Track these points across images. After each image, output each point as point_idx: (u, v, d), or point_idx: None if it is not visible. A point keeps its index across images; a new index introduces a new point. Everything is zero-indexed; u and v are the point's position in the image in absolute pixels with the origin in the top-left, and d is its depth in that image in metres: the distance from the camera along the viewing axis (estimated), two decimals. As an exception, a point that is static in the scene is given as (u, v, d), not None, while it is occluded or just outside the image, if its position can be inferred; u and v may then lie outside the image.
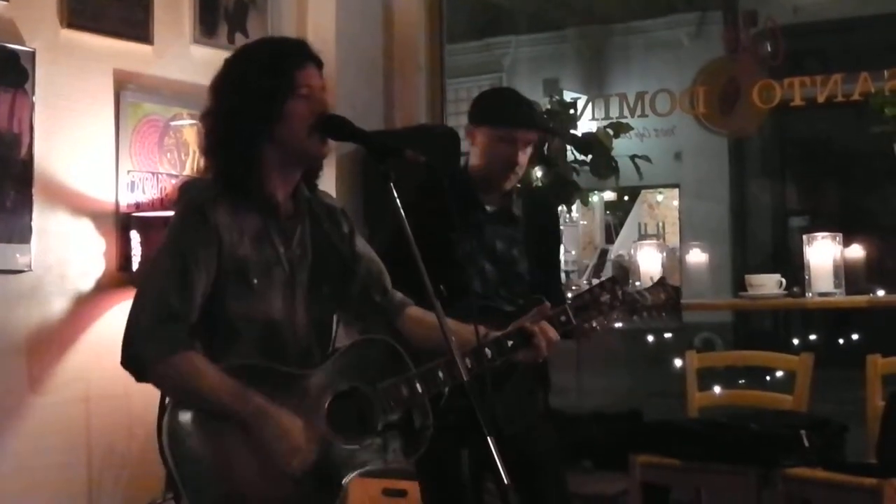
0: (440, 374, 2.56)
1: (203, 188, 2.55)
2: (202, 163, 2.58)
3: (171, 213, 3.90)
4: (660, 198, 15.60)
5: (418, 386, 2.55)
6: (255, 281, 2.49)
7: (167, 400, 2.46)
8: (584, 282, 10.49)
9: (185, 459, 2.39)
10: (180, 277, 2.43)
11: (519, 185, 3.51)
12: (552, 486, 3.44)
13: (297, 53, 2.56)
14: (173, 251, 2.47)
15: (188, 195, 2.61)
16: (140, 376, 2.44)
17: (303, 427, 2.44)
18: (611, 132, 6.21)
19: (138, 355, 2.42)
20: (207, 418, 2.40)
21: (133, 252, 4.11)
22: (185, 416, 2.41)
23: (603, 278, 3.20)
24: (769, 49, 6.17)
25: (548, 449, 3.46)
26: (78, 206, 4.04)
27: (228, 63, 2.59)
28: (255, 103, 2.48)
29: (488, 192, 3.42)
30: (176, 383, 2.41)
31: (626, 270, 5.32)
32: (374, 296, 2.72)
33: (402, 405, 2.54)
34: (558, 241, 3.65)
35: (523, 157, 3.39)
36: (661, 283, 3.26)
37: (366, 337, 2.65)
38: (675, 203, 15.24)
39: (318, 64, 2.58)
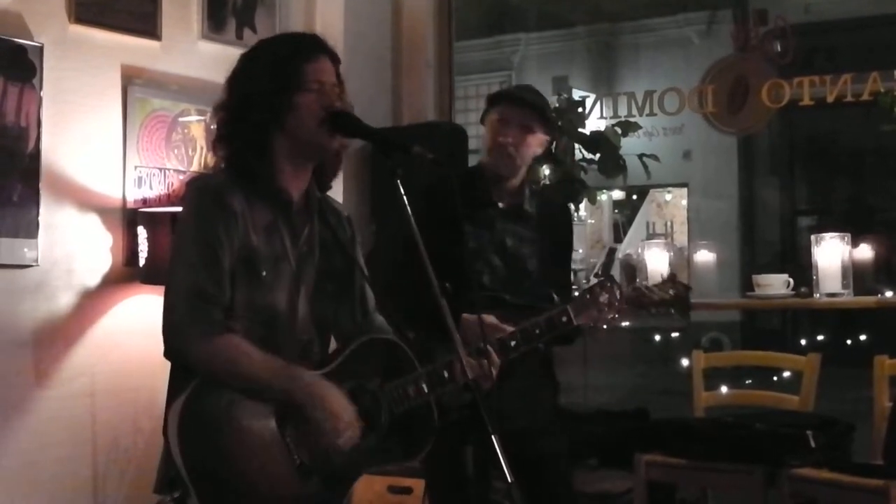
0: (445, 375, 2.56)
1: (215, 176, 2.56)
2: (212, 156, 2.58)
3: (178, 209, 3.92)
4: (668, 197, 15.61)
5: (424, 386, 2.55)
6: (264, 273, 2.48)
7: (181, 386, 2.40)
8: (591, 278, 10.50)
9: (197, 448, 2.32)
10: (208, 258, 2.41)
11: (534, 186, 3.51)
12: (558, 484, 3.44)
13: (308, 47, 2.57)
14: (196, 234, 2.45)
15: (201, 182, 2.60)
16: (183, 363, 2.41)
17: (351, 406, 2.44)
18: (619, 131, 6.20)
19: (179, 343, 2.40)
20: (228, 405, 2.35)
21: (140, 248, 4.10)
22: (206, 403, 2.35)
23: (602, 278, 3.22)
24: (779, 48, 6.12)
25: (555, 448, 3.45)
26: (85, 201, 4.04)
27: (243, 58, 2.61)
28: (265, 94, 2.49)
29: (499, 188, 3.42)
30: (219, 366, 2.37)
31: (633, 269, 5.31)
32: (356, 313, 2.70)
33: (407, 405, 2.53)
34: (570, 241, 3.63)
35: (520, 140, 3.36)
36: (671, 279, 3.28)
37: (372, 336, 2.63)
38: (684, 202, 15.24)
39: (333, 58, 2.59)
